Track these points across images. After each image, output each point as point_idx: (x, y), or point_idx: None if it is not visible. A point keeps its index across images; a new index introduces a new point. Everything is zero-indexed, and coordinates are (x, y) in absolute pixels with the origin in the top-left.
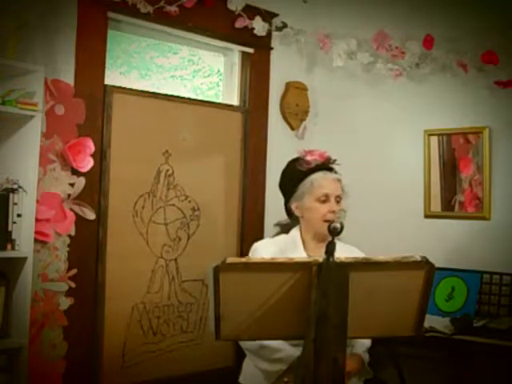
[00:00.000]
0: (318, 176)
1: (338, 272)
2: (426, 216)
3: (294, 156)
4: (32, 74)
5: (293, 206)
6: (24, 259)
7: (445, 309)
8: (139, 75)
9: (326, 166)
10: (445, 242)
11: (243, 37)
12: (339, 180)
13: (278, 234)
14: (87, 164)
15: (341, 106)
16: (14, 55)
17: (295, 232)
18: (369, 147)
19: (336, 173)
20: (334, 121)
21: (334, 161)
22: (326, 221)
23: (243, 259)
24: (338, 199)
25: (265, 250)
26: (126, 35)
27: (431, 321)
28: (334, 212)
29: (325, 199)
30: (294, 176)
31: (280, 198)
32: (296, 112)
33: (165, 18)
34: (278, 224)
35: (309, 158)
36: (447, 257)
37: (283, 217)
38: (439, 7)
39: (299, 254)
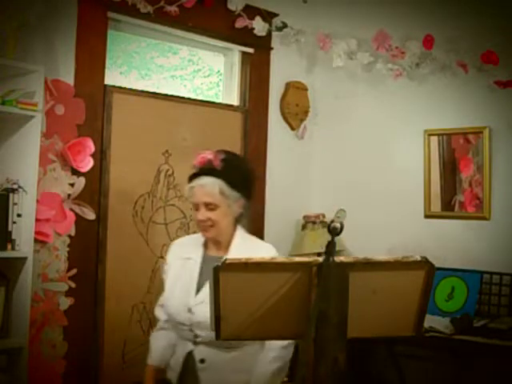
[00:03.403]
0: (192, 183)
1: (338, 272)
2: (426, 216)
3: (294, 156)
4: (32, 74)
5: None
6: (24, 259)
7: (445, 309)
8: (139, 75)
9: (205, 170)
10: (445, 241)
11: (243, 37)
12: (212, 186)
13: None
14: (87, 164)
15: (341, 105)
16: (13, 55)
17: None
18: (369, 147)
19: (221, 177)
20: (334, 121)
21: (224, 162)
22: (200, 227)
23: (243, 259)
24: (212, 206)
25: (174, 248)
26: (126, 35)
27: (431, 321)
28: (203, 221)
29: (196, 208)
30: (188, 179)
31: (280, 198)
32: (296, 112)
33: (165, 18)
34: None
35: (194, 161)
36: (447, 257)
37: (283, 216)
38: (439, 7)
39: (195, 254)
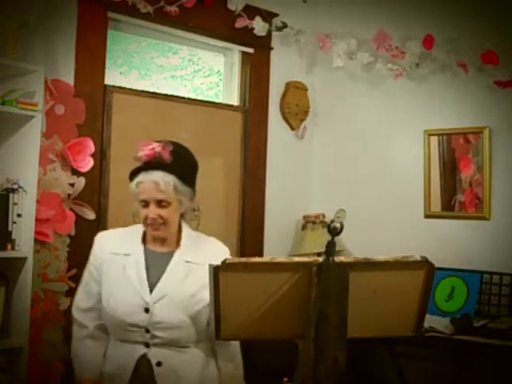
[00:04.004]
0: (140, 178)
1: (337, 272)
2: (426, 216)
3: (294, 156)
4: (32, 74)
5: None
6: (24, 259)
7: (445, 309)
8: (139, 75)
9: (154, 164)
10: (445, 241)
11: (243, 37)
12: (165, 182)
13: None
14: (87, 164)
15: (341, 105)
16: (14, 55)
17: (140, 224)
18: (369, 147)
19: (173, 172)
20: (333, 121)
21: (173, 155)
22: (148, 225)
23: (243, 259)
24: (164, 204)
25: (104, 242)
26: (126, 35)
27: (431, 321)
28: (153, 219)
29: (144, 204)
30: (130, 172)
31: (280, 198)
32: (296, 112)
33: (165, 18)
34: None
35: (140, 153)
36: (447, 257)
37: (283, 216)
38: (439, 7)
39: (135, 249)
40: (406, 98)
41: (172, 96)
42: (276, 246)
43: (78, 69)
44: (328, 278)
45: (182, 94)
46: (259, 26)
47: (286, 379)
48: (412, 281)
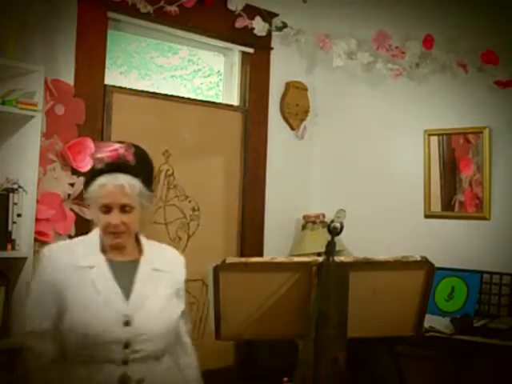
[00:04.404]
0: (101, 181)
1: (337, 272)
2: (426, 216)
3: (294, 156)
4: (32, 74)
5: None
6: (24, 259)
7: (445, 309)
8: (139, 75)
9: (118, 167)
10: (445, 241)
11: (243, 37)
12: (131, 185)
13: None
14: (87, 164)
15: (341, 105)
16: (14, 55)
17: (95, 233)
18: (369, 147)
19: (138, 175)
20: (333, 121)
21: (136, 157)
22: (110, 233)
23: (243, 259)
24: (128, 209)
25: (60, 255)
26: (126, 35)
27: (431, 321)
28: (116, 226)
29: (106, 210)
30: (88, 175)
31: (280, 198)
32: (296, 112)
33: (165, 18)
34: None
35: (99, 155)
36: (447, 257)
37: (283, 216)
38: (439, 7)
39: (96, 261)
40: (406, 98)
41: (172, 96)
42: (276, 246)
43: (78, 69)
44: (328, 277)
45: (182, 94)
46: (259, 26)
47: (286, 379)
48: (412, 281)
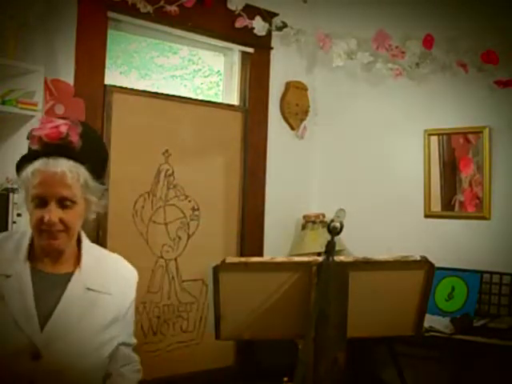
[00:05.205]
0: (37, 165)
1: (337, 271)
2: (426, 216)
3: (294, 156)
4: (32, 74)
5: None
6: None
7: (445, 309)
8: (139, 75)
9: (58, 149)
10: (445, 241)
11: (243, 37)
12: (73, 174)
13: None
14: None
15: (341, 105)
16: (14, 55)
17: (25, 234)
18: (369, 147)
19: (84, 161)
20: (333, 120)
21: (83, 139)
22: (42, 231)
23: (243, 259)
24: (68, 203)
25: None
26: (126, 35)
27: (431, 321)
28: (52, 224)
29: (39, 202)
30: (22, 157)
31: (280, 198)
32: (296, 112)
33: (165, 18)
34: None
35: (37, 132)
36: (447, 257)
37: (283, 216)
38: (439, 7)
39: (18, 269)
40: (406, 98)
41: (172, 96)
42: (276, 246)
43: (78, 69)
44: (328, 277)
45: (181, 94)
46: (259, 26)
47: (286, 379)
48: (412, 280)
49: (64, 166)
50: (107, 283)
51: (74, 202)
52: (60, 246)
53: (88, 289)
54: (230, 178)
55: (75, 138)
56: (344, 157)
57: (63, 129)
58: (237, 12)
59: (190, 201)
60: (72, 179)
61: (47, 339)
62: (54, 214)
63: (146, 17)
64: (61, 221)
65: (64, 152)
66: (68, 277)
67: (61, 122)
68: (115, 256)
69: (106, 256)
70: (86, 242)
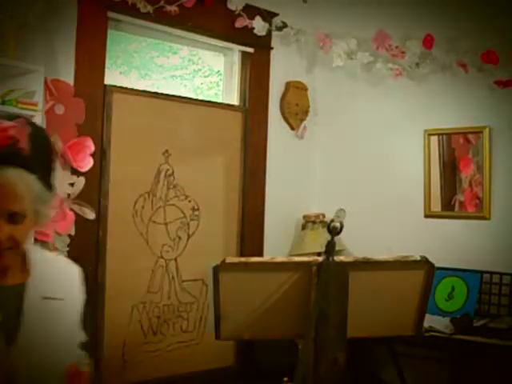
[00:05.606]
0: None
1: (337, 271)
2: (426, 216)
3: (294, 156)
4: (32, 74)
5: None
6: None
7: (445, 309)
8: (139, 75)
9: (5, 157)
10: (445, 241)
11: (243, 37)
12: (24, 185)
13: None
14: (87, 164)
15: (341, 105)
16: (14, 55)
17: None
18: (369, 147)
19: (34, 169)
20: (333, 120)
21: (32, 142)
22: None
23: (243, 259)
24: (17, 217)
25: None
26: (126, 35)
27: (431, 321)
28: (0, 241)
29: None
30: None
31: (280, 198)
32: (296, 112)
33: (165, 18)
34: None
35: None
36: (447, 257)
37: (283, 216)
38: (439, 7)
39: None
40: (406, 98)
41: (172, 96)
42: (276, 246)
43: (78, 69)
44: (328, 277)
45: (182, 94)
46: (259, 26)
47: (286, 379)
48: (412, 280)
49: (12, 177)
50: (59, 289)
51: (23, 216)
52: (8, 264)
53: (44, 298)
54: (230, 178)
55: (24, 144)
56: (344, 157)
57: (12, 132)
58: (237, 12)
59: (190, 201)
60: (23, 192)
61: (16, 356)
62: (2, 231)
63: (145, 17)
64: (10, 238)
65: (12, 160)
66: (20, 287)
67: (7, 124)
68: (56, 257)
69: (50, 260)
70: (32, 248)
